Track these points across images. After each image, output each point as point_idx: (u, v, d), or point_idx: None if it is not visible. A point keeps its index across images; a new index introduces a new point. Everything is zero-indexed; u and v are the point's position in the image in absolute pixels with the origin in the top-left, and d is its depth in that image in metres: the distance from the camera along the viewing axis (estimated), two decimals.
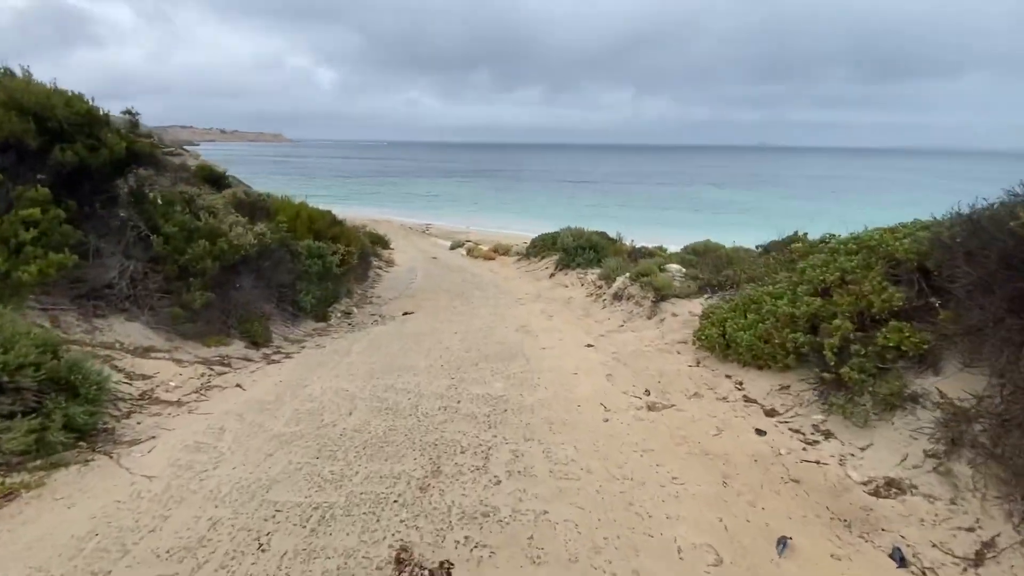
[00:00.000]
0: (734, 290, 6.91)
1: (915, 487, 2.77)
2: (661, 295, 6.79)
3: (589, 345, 5.86)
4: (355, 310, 9.15)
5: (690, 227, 34.98)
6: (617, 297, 8.12)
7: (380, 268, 15.41)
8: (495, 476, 3.00)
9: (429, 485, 2.89)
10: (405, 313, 8.97)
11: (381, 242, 24.08)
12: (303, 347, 6.30)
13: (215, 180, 17.39)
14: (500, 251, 21.56)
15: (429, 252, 22.60)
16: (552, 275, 12.66)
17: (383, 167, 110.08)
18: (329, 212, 10.12)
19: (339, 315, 8.74)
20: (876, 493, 2.80)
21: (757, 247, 13.25)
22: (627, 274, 8.80)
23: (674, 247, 17.88)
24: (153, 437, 3.40)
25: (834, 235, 7.94)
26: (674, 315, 6.39)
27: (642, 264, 8.56)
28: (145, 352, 4.61)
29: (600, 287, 9.54)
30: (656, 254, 13.97)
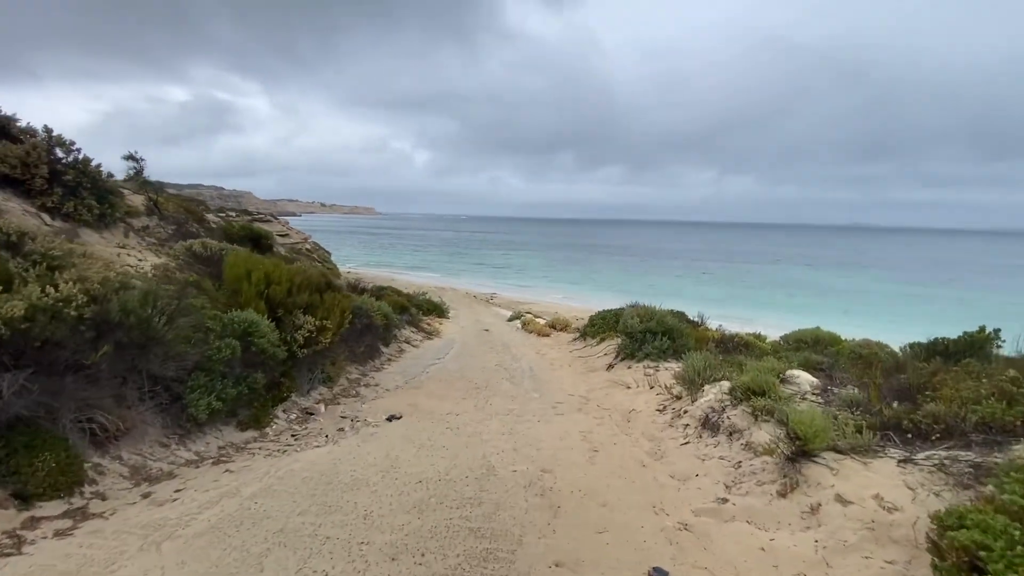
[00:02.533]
0: (952, 443, 3.44)
1: None
2: (802, 447, 3.43)
3: (660, 572, 2.63)
4: (323, 408, 6.43)
5: (783, 311, 30.09)
6: (709, 425, 4.79)
7: (413, 341, 12.92)
8: None
9: None
10: (390, 418, 6.12)
11: (437, 310, 21.97)
12: (148, 494, 3.59)
13: (256, 239, 16.23)
14: (558, 326, 18.56)
15: (484, 323, 20.08)
16: (610, 366, 9.38)
17: (460, 238, 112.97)
18: (313, 271, 7.77)
19: (295, 415, 6.06)
20: None
21: (907, 347, 9.34)
22: (724, 384, 5.46)
23: (772, 333, 14.06)
24: None
25: None
26: (842, 500, 3.00)
27: (749, 371, 5.20)
28: None
29: (679, 397, 6.19)
30: (754, 344, 10.35)
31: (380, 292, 14.40)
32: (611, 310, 13.86)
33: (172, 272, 6.66)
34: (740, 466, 3.88)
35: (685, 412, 5.46)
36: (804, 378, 5.48)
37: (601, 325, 12.94)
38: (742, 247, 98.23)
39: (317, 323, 6.30)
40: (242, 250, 7.08)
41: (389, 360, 10.14)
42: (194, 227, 10.69)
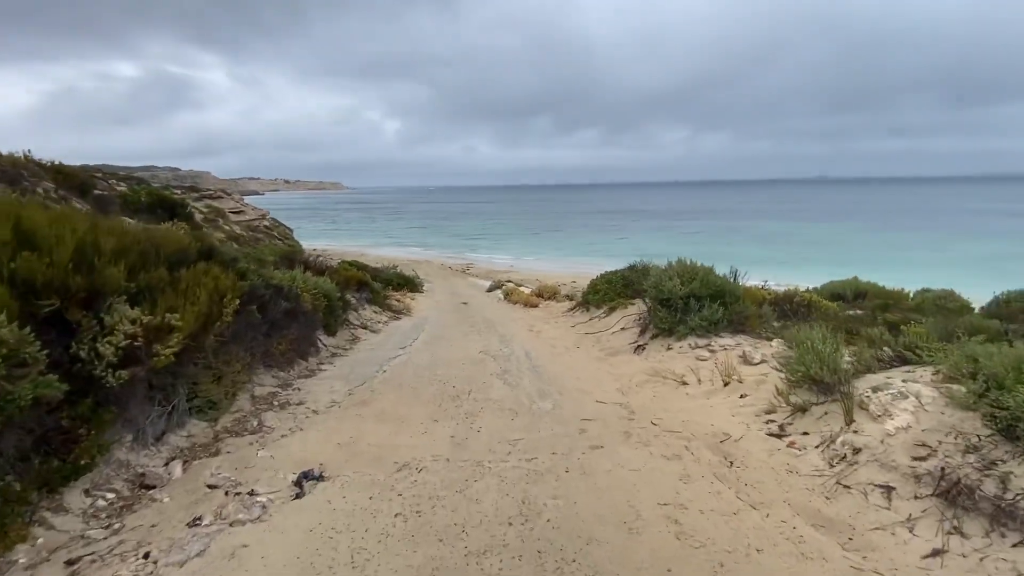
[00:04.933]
0: None
1: None
2: None
3: None
4: (179, 469, 3.57)
5: (778, 266, 28.10)
6: (967, 500, 2.17)
7: (372, 325, 10.04)
8: None
9: None
10: (299, 480, 3.32)
11: (409, 284, 19.10)
12: None
13: (171, 208, 13.03)
14: (546, 294, 15.87)
15: (462, 295, 17.26)
16: (639, 347, 6.72)
17: (433, 209, 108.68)
18: (165, 232, 4.77)
19: (113, 495, 3.20)
20: None
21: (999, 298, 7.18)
22: (920, 391, 2.82)
23: (802, 285, 11.68)
24: None
25: None
26: None
27: (994, 360, 2.57)
28: None
29: (802, 408, 3.52)
30: (817, 304, 7.87)
31: (323, 266, 11.34)
32: (617, 272, 11.15)
33: None
34: None
35: (856, 452, 2.79)
36: None
37: (607, 291, 10.26)
38: (719, 204, 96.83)
39: (155, 320, 3.37)
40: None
41: (333, 356, 7.26)
42: (42, 188, 7.43)
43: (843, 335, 4.32)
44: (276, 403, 5.04)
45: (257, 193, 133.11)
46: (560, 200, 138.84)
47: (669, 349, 6.17)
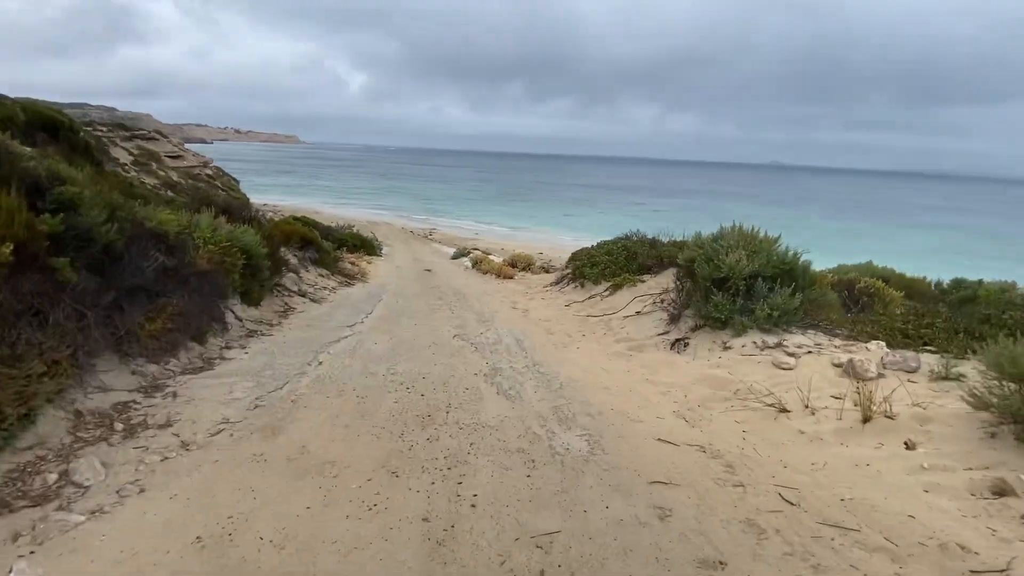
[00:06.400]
0: None
1: None
2: None
3: None
4: None
5: None
6: None
7: (316, 293, 7.90)
8: None
9: None
10: None
11: (366, 246, 16.85)
12: None
13: (53, 129, 10.25)
14: (520, 264, 14.06)
15: (424, 262, 15.19)
16: (679, 343, 4.96)
17: (394, 170, 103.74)
18: None
19: None
20: None
21: None
22: None
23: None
24: None
25: None
26: None
27: None
28: None
29: None
30: (883, 293, 6.34)
31: (249, 215, 8.94)
32: (617, 241, 9.35)
33: None
34: None
35: None
36: None
37: (608, 264, 8.46)
38: (681, 185, 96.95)
39: None
40: None
41: (248, 336, 5.13)
42: None
43: None
44: (120, 425, 2.94)
45: (204, 141, 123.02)
46: (528, 169, 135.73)
47: (727, 348, 4.41)
